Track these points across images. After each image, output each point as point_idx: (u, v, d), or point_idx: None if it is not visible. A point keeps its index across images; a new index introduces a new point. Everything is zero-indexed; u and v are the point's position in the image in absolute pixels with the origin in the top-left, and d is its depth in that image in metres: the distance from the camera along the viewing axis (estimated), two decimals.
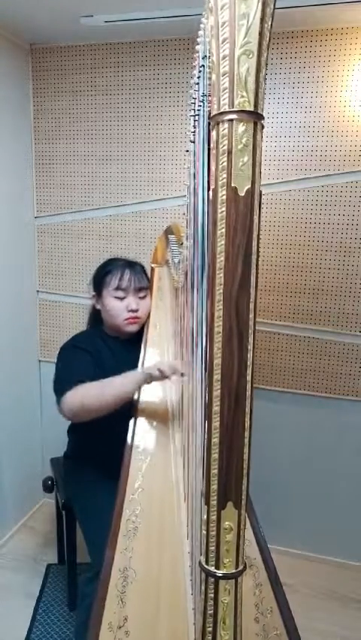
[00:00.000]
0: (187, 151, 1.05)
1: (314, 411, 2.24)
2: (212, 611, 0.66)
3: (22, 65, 2.24)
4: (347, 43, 1.91)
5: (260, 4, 0.54)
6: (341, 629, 1.96)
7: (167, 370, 1.40)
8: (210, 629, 0.66)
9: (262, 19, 0.55)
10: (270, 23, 0.56)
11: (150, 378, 1.44)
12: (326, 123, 1.99)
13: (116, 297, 1.72)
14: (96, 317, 1.85)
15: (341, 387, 2.19)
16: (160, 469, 1.35)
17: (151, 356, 1.66)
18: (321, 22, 1.89)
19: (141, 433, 1.45)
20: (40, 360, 2.59)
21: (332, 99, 1.96)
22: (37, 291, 2.52)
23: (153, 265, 2.03)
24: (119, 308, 1.72)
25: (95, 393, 1.44)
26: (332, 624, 1.98)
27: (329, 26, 1.90)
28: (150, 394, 1.57)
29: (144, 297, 1.77)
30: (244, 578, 0.69)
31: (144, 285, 1.78)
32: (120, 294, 1.72)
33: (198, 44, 0.81)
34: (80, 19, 1.91)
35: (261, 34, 0.55)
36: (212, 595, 0.66)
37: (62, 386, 1.49)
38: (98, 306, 1.79)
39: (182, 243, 1.54)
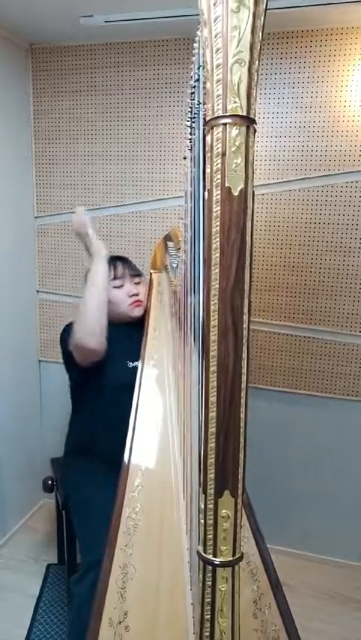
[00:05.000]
0: (184, 158, 1.08)
1: (314, 411, 2.25)
2: (210, 600, 0.67)
3: (22, 65, 2.25)
4: (347, 43, 1.91)
5: (251, 17, 0.57)
6: (341, 629, 1.96)
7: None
8: (208, 617, 0.68)
9: (253, 31, 0.58)
10: (261, 34, 0.59)
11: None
12: (326, 123, 1.99)
13: (115, 287, 1.80)
14: None
15: (341, 387, 2.19)
16: (160, 467, 1.35)
17: (150, 358, 1.67)
18: (321, 22, 1.89)
19: (141, 431, 1.45)
20: (40, 360, 2.60)
21: (332, 99, 1.97)
22: (37, 291, 2.52)
23: (151, 271, 2.05)
24: (121, 296, 1.81)
25: (82, 302, 1.61)
26: (332, 624, 1.98)
27: (329, 26, 1.91)
28: (150, 393, 1.57)
29: (138, 283, 1.88)
30: (242, 576, 0.70)
31: (137, 272, 1.89)
32: (118, 282, 1.81)
33: (194, 56, 0.85)
34: (80, 19, 1.92)
35: (252, 44, 0.58)
36: (210, 583, 0.67)
37: (68, 332, 1.66)
38: None
39: (179, 248, 1.56)
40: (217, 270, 0.63)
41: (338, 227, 2.06)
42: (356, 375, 2.16)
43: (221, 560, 0.67)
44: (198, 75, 0.86)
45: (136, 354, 1.66)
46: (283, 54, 1.98)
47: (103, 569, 1.08)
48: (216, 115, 0.60)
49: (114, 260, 1.83)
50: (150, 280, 2.02)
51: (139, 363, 1.65)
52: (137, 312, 1.83)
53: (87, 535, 1.55)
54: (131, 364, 1.73)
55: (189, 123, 0.97)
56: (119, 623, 0.98)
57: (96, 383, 1.73)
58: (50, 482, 2.07)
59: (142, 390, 1.57)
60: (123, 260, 1.89)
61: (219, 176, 0.61)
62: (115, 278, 1.81)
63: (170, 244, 1.88)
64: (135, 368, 1.61)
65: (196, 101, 0.88)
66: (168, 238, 1.96)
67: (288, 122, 2.03)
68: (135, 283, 1.86)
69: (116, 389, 1.69)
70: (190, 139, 0.98)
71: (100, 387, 1.73)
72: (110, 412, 1.59)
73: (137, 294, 1.83)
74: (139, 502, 1.24)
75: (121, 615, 0.99)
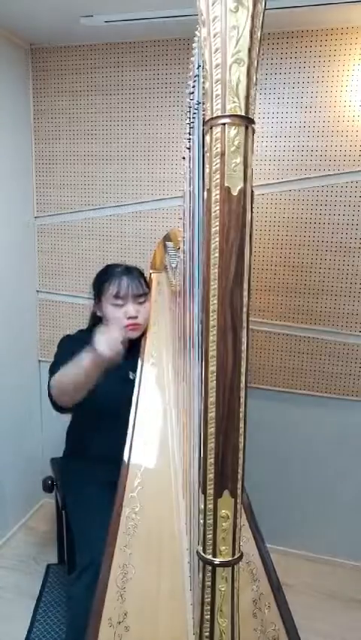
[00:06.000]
0: (183, 158, 1.08)
1: (314, 411, 2.24)
2: (209, 599, 0.67)
3: (22, 65, 2.25)
4: (347, 43, 1.91)
5: (250, 17, 0.58)
6: (341, 630, 1.96)
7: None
8: (207, 617, 0.68)
9: (252, 30, 0.58)
10: (259, 34, 0.60)
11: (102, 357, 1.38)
12: (326, 123, 1.99)
13: (114, 305, 1.72)
14: (96, 320, 1.85)
15: (341, 387, 2.19)
16: (160, 468, 1.35)
17: (149, 357, 1.67)
18: (321, 22, 1.89)
19: (141, 431, 1.45)
20: (40, 360, 2.59)
21: (332, 99, 1.97)
22: (37, 291, 2.52)
23: (151, 271, 2.04)
24: (118, 316, 1.71)
25: (63, 372, 1.50)
26: (332, 624, 1.98)
27: (329, 26, 1.91)
28: (149, 393, 1.57)
29: (143, 303, 1.76)
30: (242, 576, 0.70)
31: (142, 291, 1.77)
32: (119, 301, 1.71)
33: (193, 56, 0.85)
34: (80, 19, 1.92)
35: (251, 44, 0.59)
36: (209, 583, 0.67)
37: (51, 372, 1.58)
38: (99, 313, 1.79)
39: (179, 248, 1.56)
40: (216, 270, 0.63)
41: (338, 227, 2.06)
42: (356, 375, 2.16)
43: (220, 560, 0.67)
44: (198, 75, 0.86)
45: (136, 365, 1.63)
46: (283, 54, 1.98)
47: (103, 568, 1.08)
48: (215, 115, 0.61)
49: (121, 275, 1.74)
50: (150, 280, 2.01)
51: (138, 361, 1.64)
52: (132, 334, 1.71)
53: (84, 535, 1.54)
54: (132, 375, 1.67)
55: (187, 122, 0.97)
56: (119, 623, 0.98)
57: (99, 397, 1.69)
58: (50, 482, 2.07)
59: (141, 389, 1.57)
60: (131, 275, 1.76)
61: (218, 176, 0.62)
62: (116, 297, 1.71)
63: (169, 244, 1.87)
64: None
65: (195, 101, 0.88)
66: (167, 238, 1.95)
67: (288, 122, 2.03)
68: (139, 303, 1.75)
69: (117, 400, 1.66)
70: (189, 139, 0.98)
71: (103, 399, 1.70)
72: (109, 414, 1.58)
73: (135, 317, 1.71)
74: (139, 502, 1.24)
75: (121, 615, 0.99)
